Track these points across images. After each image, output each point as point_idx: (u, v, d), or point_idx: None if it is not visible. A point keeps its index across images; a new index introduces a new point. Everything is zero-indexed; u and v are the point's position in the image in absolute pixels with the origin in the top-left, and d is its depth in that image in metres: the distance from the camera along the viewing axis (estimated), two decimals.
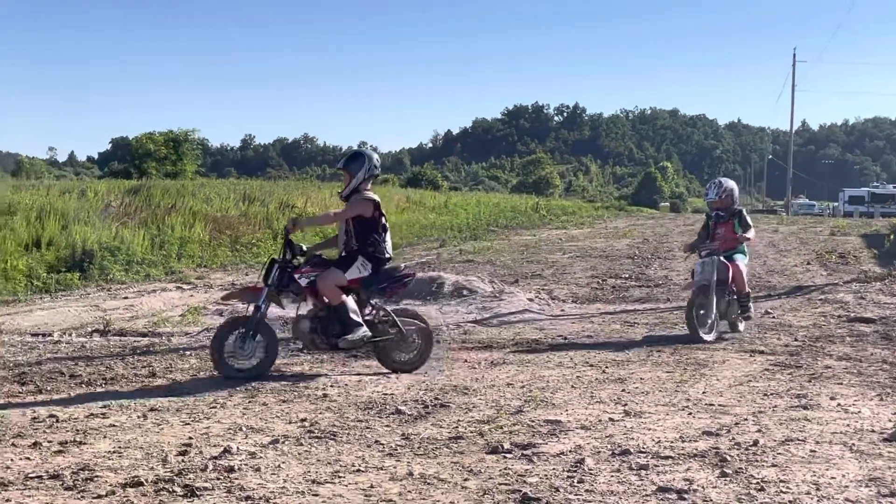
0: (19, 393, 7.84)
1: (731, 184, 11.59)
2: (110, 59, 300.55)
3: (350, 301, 8.66)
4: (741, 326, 11.14)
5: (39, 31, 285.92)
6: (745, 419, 6.63)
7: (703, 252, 11.10)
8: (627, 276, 17.93)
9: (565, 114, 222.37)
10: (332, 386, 8.07)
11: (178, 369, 8.95)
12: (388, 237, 8.90)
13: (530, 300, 13.86)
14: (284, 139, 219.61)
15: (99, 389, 7.99)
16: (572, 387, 7.92)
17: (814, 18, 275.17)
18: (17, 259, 16.86)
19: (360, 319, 8.64)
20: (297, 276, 8.76)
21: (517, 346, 10.33)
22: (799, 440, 6.01)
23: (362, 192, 8.89)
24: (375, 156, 9.13)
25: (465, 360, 9.40)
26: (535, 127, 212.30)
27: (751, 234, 11.28)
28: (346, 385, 8.12)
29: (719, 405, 7.14)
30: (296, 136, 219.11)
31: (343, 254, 8.89)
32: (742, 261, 11.19)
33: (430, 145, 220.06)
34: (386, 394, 7.72)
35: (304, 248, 9.17)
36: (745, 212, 11.45)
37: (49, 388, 8.00)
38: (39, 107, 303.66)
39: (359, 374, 8.67)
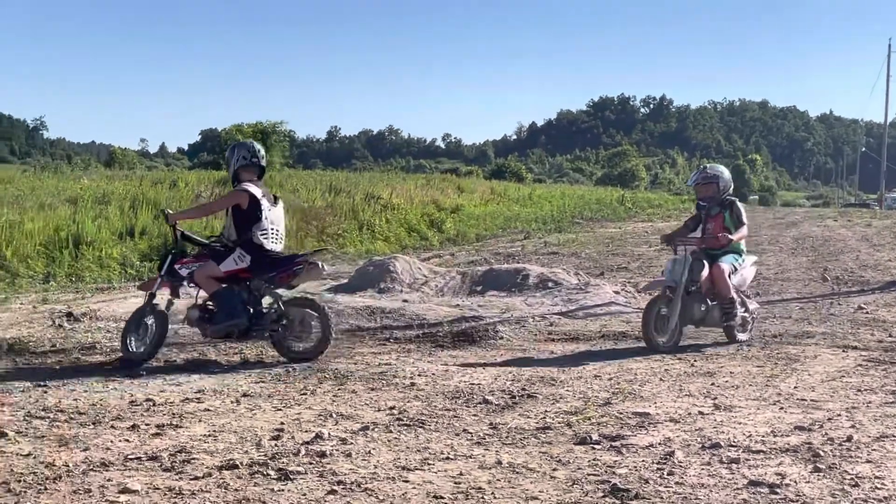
0: (117, 377, 8.05)
1: (717, 170, 10.27)
2: (200, 54, 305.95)
3: (227, 291, 8.81)
4: (742, 336, 9.84)
5: (131, 27, 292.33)
6: (839, 415, 6.52)
7: (678, 247, 9.87)
8: None
9: (652, 105, 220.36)
10: (419, 375, 8.14)
11: (269, 356, 9.10)
12: (271, 226, 8.91)
13: (616, 293, 13.75)
14: (369, 131, 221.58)
15: (193, 375, 8.17)
16: (660, 380, 7.87)
17: None
18: (112, 247, 17.32)
19: (234, 310, 8.75)
20: (177, 266, 9.01)
21: (604, 338, 10.28)
22: (894, 437, 5.88)
23: (242, 184, 8.95)
24: (252, 146, 9.16)
25: (552, 352, 9.40)
26: (621, 119, 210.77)
27: (737, 234, 9.79)
28: (433, 374, 8.19)
29: (811, 400, 7.03)
30: (380, 127, 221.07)
31: (229, 244, 8.99)
32: (731, 261, 9.80)
33: (515, 137, 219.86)
34: (473, 383, 7.76)
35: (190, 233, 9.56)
36: (738, 204, 10.08)
37: (145, 373, 8.20)
38: (132, 99, 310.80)
39: (445, 364, 8.73)
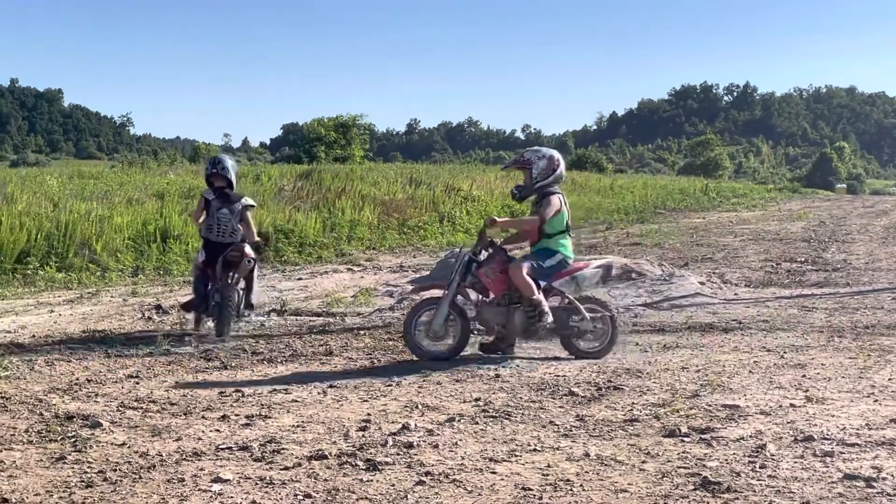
0: (206, 369, 8.20)
1: (537, 154, 8.74)
2: (281, 49, 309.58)
3: (196, 278, 10.11)
4: (586, 346, 8.68)
5: (214, 26, 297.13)
6: None
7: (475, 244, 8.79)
8: (803, 259, 17.36)
9: (735, 93, 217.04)
10: (503, 367, 8.12)
11: (354, 348, 9.17)
12: (217, 221, 10.07)
13: (701, 283, 13.57)
14: (448, 123, 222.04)
15: (280, 366, 8.28)
16: (750, 372, 7.73)
17: None
18: (198, 241, 17.53)
19: (195, 292, 10.05)
20: None
21: (690, 329, 10.11)
22: None
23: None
24: (213, 159, 10.51)
25: (637, 344, 9.29)
26: (704, 107, 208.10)
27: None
28: (517, 366, 8.17)
29: None
30: (460, 119, 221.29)
31: None
32: (531, 260, 8.57)
33: (595, 127, 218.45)
34: (558, 375, 7.72)
35: None
36: (553, 197, 8.58)
37: (233, 365, 8.33)
38: (215, 95, 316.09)
39: (529, 356, 8.69)
